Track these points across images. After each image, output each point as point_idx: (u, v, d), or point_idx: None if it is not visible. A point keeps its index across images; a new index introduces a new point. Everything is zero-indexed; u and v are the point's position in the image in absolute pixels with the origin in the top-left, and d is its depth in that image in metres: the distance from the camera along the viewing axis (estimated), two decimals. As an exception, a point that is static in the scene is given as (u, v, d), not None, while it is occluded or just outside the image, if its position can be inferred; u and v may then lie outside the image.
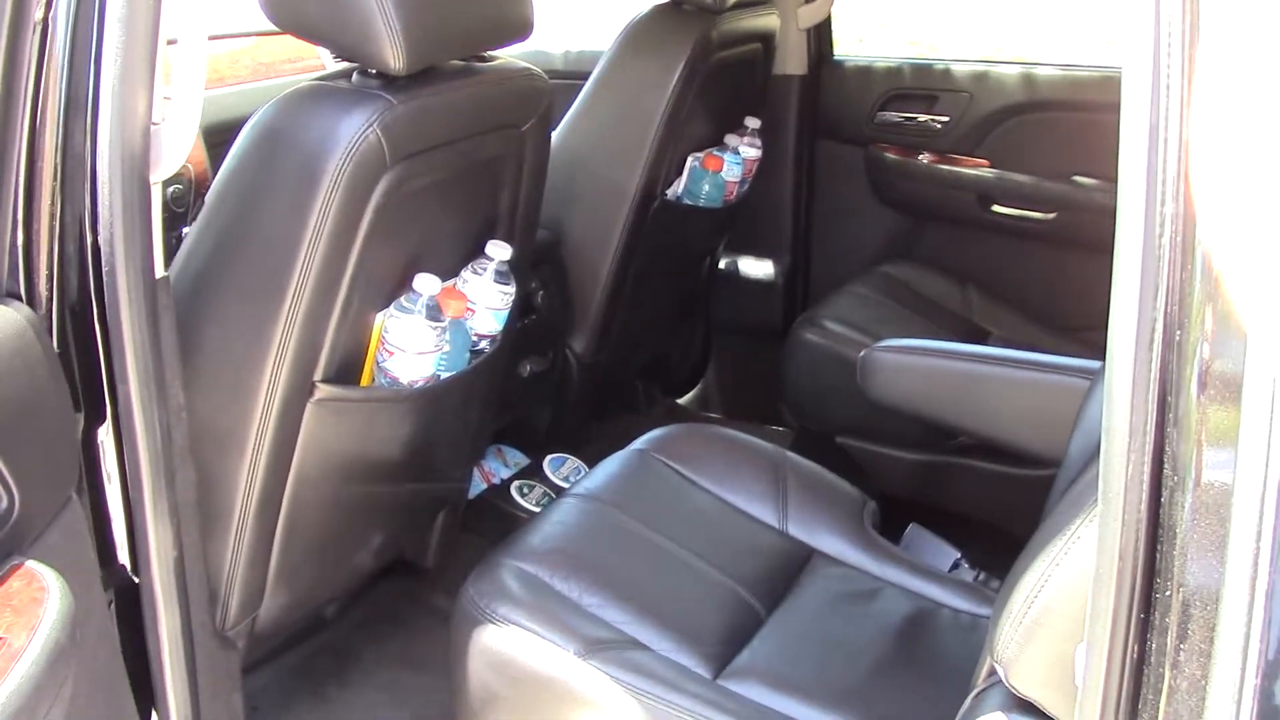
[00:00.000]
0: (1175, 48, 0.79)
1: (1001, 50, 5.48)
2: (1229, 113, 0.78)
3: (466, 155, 1.55)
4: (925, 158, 2.72)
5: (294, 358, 1.41)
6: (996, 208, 2.68)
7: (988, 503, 2.10)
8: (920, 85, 2.75)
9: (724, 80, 2.40)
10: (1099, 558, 0.86)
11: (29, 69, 1.11)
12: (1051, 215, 2.60)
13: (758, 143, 2.56)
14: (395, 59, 1.36)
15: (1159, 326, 0.80)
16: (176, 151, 1.23)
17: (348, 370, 1.53)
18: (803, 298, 2.93)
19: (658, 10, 2.30)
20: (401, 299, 1.55)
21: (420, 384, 1.57)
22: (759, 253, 2.87)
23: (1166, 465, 0.81)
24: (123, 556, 1.31)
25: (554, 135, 2.34)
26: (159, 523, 1.29)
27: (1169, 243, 0.80)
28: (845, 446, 2.29)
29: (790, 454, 1.78)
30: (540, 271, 2.27)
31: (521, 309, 2.21)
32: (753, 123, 2.54)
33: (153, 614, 1.32)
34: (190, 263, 1.42)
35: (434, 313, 1.54)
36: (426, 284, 1.52)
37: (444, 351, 1.59)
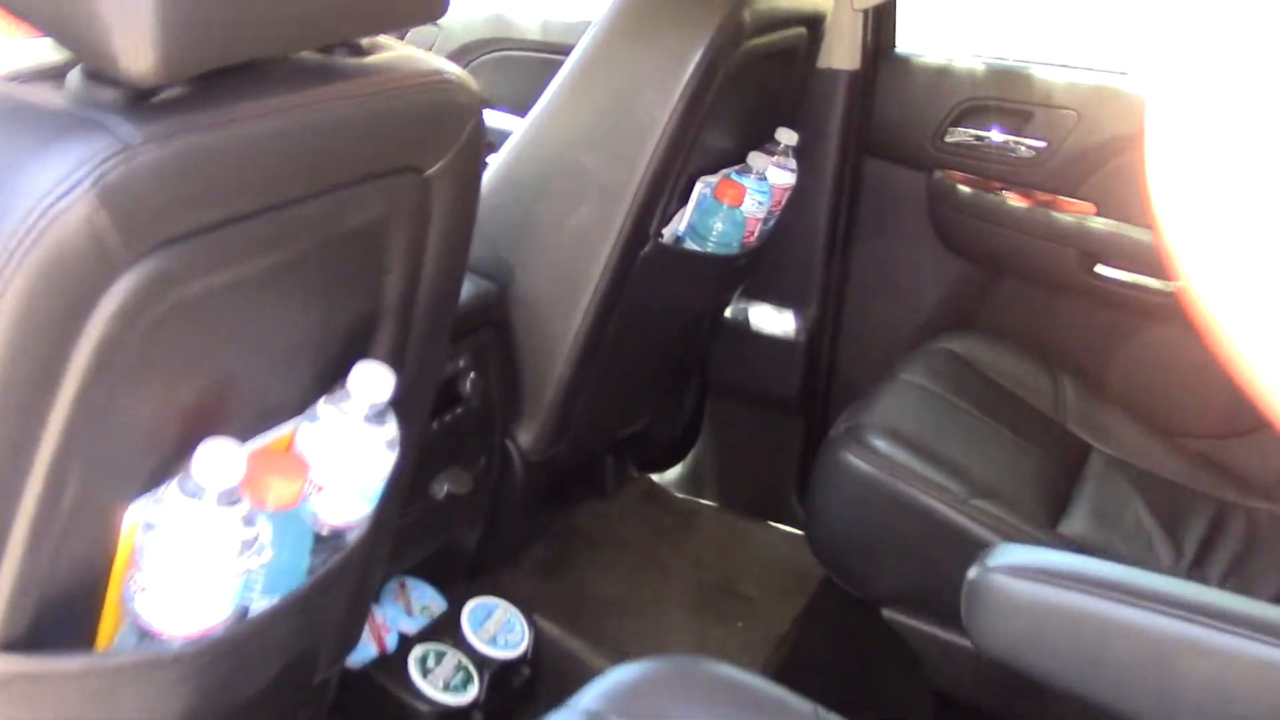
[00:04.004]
0: None
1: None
2: None
3: (312, 228, 0.85)
4: (1009, 194, 2.03)
5: None
6: (1102, 269, 1.98)
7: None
8: (1010, 96, 2.04)
9: (754, 77, 1.70)
10: None
11: None
12: (1176, 285, 1.91)
13: (793, 164, 1.86)
14: (136, 57, 0.65)
15: None
16: None
17: (64, 617, 0.83)
18: (828, 362, 2.23)
19: (669, -26, 1.59)
20: (176, 482, 0.85)
21: (206, 636, 0.87)
22: (777, 299, 2.17)
23: None
24: None
25: (510, 144, 1.65)
26: None
27: None
28: (894, 624, 1.61)
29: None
30: (475, 339, 1.57)
31: (443, 399, 1.52)
32: (788, 137, 1.84)
33: None
34: None
35: (231, 503, 0.84)
36: (216, 461, 0.82)
37: (254, 571, 0.89)
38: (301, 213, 0.82)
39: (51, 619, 0.81)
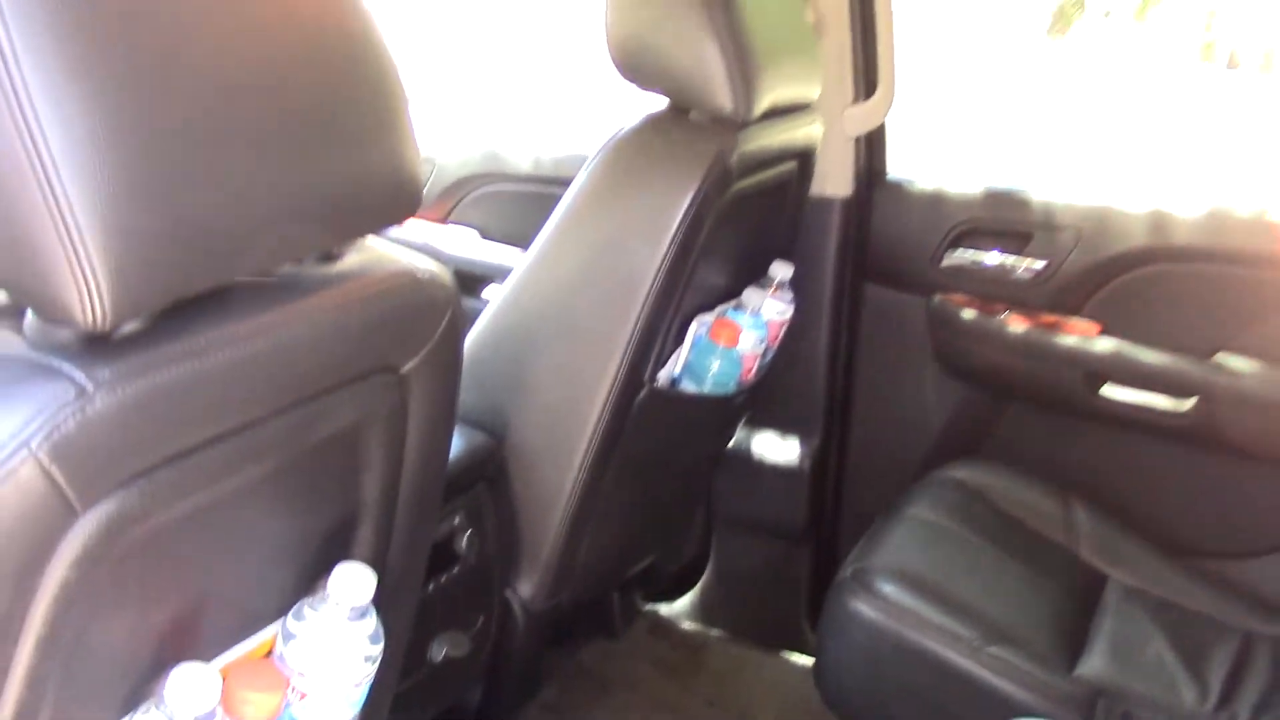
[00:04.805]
0: None
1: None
2: None
3: (283, 443, 0.83)
4: (1011, 316, 2.01)
5: None
6: (1110, 390, 1.96)
7: None
8: (1007, 218, 2.03)
9: (746, 215, 1.69)
10: None
11: None
12: (1187, 405, 1.88)
13: (789, 297, 1.85)
14: (90, 304, 0.64)
15: None
16: None
17: None
18: (835, 490, 2.20)
19: (654, 122, 1.58)
20: (152, 704, 0.82)
21: None
22: (781, 427, 2.14)
23: None
24: None
25: (502, 290, 1.64)
26: None
27: None
28: (914, 776, 1.56)
29: None
30: (470, 495, 1.55)
31: (438, 560, 1.49)
32: (783, 271, 1.83)
33: None
34: None
35: (210, 729, 0.81)
36: (188, 688, 0.80)
37: (232, 796, 0.85)
38: (271, 430, 0.80)
39: None
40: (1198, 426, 1.88)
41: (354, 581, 0.92)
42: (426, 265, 0.91)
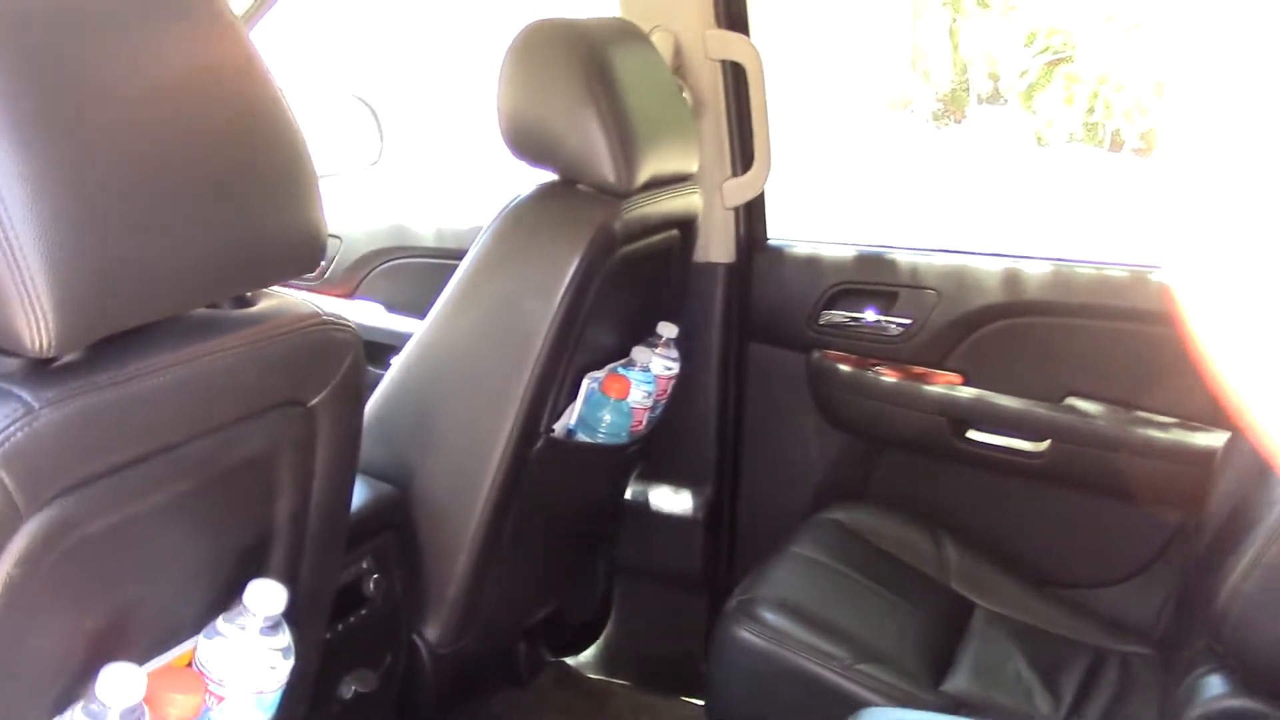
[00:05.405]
0: None
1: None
2: None
3: (202, 465, 0.94)
4: (882, 370, 2.17)
5: None
6: (973, 434, 2.12)
7: None
8: (875, 279, 2.21)
9: (632, 278, 1.83)
10: None
11: None
12: (1043, 446, 2.05)
13: (675, 355, 1.99)
14: (38, 335, 0.76)
15: None
16: None
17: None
18: (728, 537, 2.33)
19: (545, 192, 1.73)
20: (80, 706, 0.91)
21: None
22: (675, 480, 2.27)
23: None
24: None
25: (406, 350, 1.76)
26: None
27: None
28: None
29: None
30: (377, 542, 1.65)
31: (346, 601, 1.59)
32: (668, 330, 1.97)
33: None
34: None
35: (137, 723, 0.91)
36: (118, 684, 0.90)
37: (157, 786, 0.95)
38: (192, 451, 0.91)
39: None
40: (1053, 465, 2.05)
41: (267, 595, 1.02)
42: (331, 310, 1.03)
